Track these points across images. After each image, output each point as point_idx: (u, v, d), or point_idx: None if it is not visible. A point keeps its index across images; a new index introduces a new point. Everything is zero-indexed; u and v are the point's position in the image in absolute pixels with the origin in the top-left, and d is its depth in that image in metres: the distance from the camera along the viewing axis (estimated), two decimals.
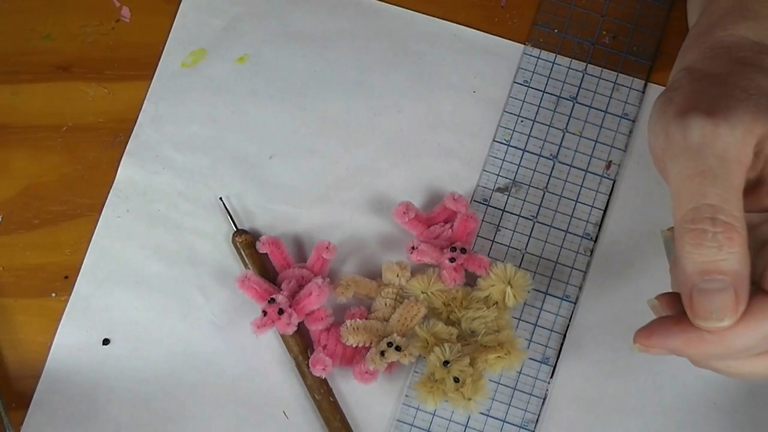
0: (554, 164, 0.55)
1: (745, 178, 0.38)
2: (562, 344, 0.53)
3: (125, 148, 0.55)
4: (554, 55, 0.56)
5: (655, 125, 0.40)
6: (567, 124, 0.55)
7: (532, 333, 0.53)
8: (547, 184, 0.54)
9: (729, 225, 0.36)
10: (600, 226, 0.54)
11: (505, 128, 0.55)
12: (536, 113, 0.55)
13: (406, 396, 0.52)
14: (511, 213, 0.54)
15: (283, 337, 0.52)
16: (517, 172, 0.55)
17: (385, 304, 0.52)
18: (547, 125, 0.55)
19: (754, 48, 0.41)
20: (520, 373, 0.52)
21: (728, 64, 0.40)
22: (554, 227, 0.54)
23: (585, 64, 0.55)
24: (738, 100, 0.38)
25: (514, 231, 0.54)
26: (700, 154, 0.37)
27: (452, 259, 0.51)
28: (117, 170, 0.55)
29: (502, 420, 0.52)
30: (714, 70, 0.41)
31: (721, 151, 0.37)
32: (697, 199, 0.37)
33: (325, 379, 0.52)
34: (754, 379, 0.43)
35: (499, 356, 0.49)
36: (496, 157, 0.55)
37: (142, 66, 0.56)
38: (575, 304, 0.53)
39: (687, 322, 0.38)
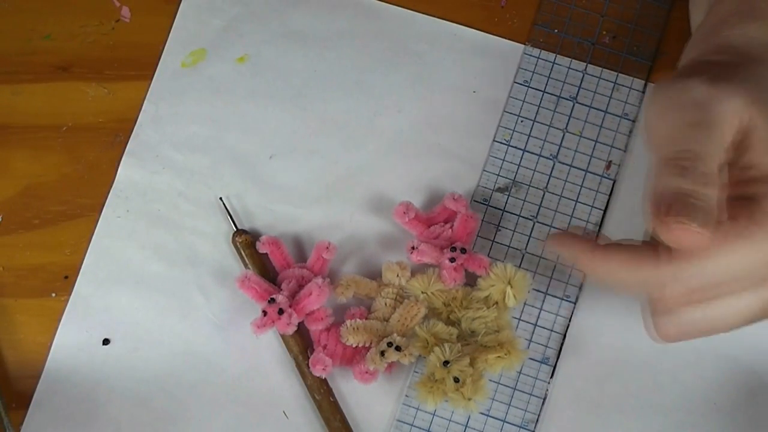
0: (554, 164, 0.55)
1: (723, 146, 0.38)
2: (562, 344, 0.53)
3: (125, 148, 0.55)
4: (554, 55, 0.56)
5: (654, 104, 0.41)
6: (567, 124, 0.55)
7: (532, 333, 0.53)
8: (547, 184, 0.54)
9: (707, 175, 0.37)
10: (600, 226, 0.54)
11: (505, 128, 0.55)
12: (536, 113, 0.55)
13: (406, 396, 0.52)
14: (511, 213, 0.54)
15: (283, 337, 0.52)
16: (517, 172, 0.55)
17: (385, 304, 0.52)
18: (547, 125, 0.55)
19: (763, 49, 0.41)
20: (520, 373, 0.52)
21: (736, 58, 0.40)
22: (554, 227, 0.54)
23: (585, 64, 0.55)
24: (740, 80, 0.39)
25: (514, 231, 0.54)
26: (696, 108, 0.38)
27: (452, 259, 0.51)
28: (117, 170, 0.55)
29: (502, 420, 0.52)
30: (721, 60, 0.41)
31: (717, 112, 0.38)
32: (680, 144, 0.38)
33: (325, 379, 0.52)
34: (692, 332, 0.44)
35: (499, 356, 0.49)
36: (496, 157, 0.55)
37: (142, 66, 0.56)
38: (575, 304, 0.53)
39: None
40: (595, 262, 0.41)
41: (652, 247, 0.40)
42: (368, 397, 0.52)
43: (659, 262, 0.39)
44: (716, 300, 0.39)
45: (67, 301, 0.54)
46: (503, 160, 0.55)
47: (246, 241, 0.53)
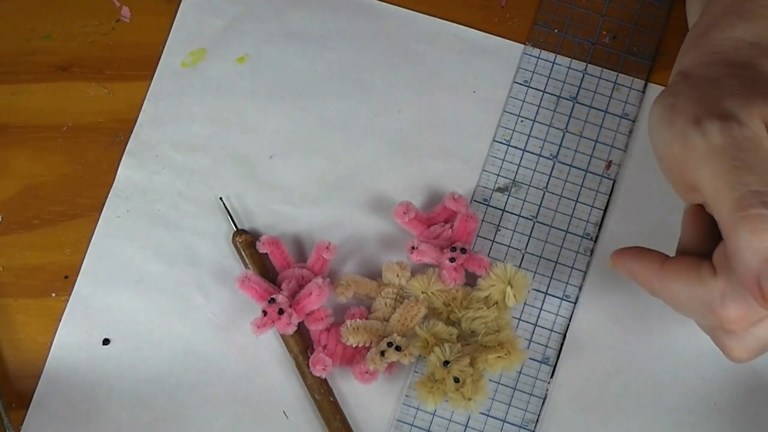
0: (554, 164, 0.55)
1: None
2: (562, 344, 0.53)
3: (125, 148, 0.55)
4: (554, 55, 0.56)
5: (664, 134, 0.40)
6: (567, 124, 0.55)
7: (532, 333, 0.53)
8: (547, 184, 0.54)
9: None
10: (600, 226, 0.54)
11: (505, 128, 0.55)
12: (536, 113, 0.55)
13: (406, 396, 0.52)
14: (511, 213, 0.54)
15: (283, 337, 0.52)
16: (517, 172, 0.55)
17: (385, 304, 0.52)
18: (547, 125, 0.55)
19: (752, 51, 0.41)
20: (520, 373, 0.52)
21: (727, 68, 0.41)
22: (554, 227, 0.54)
23: (585, 64, 0.55)
24: (742, 98, 0.39)
25: (514, 231, 0.54)
26: (726, 152, 0.37)
27: (452, 259, 0.51)
28: (117, 170, 0.55)
29: (502, 420, 0.52)
30: (713, 75, 0.41)
31: (745, 144, 0.37)
32: (739, 188, 0.36)
33: (325, 379, 0.52)
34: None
35: (499, 356, 0.49)
36: (496, 157, 0.55)
37: (142, 66, 0.56)
38: (575, 304, 0.53)
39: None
40: (662, 279, 0.41)
41: (697, 264, 0.40)
42: (368, 397, 0.52)
43: (705, 276, 0.39)
44: None
45: (67, 301, 0.54)
46: (503, 160, 0.55)
47: (246, 241, 0.53)
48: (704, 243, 0.41)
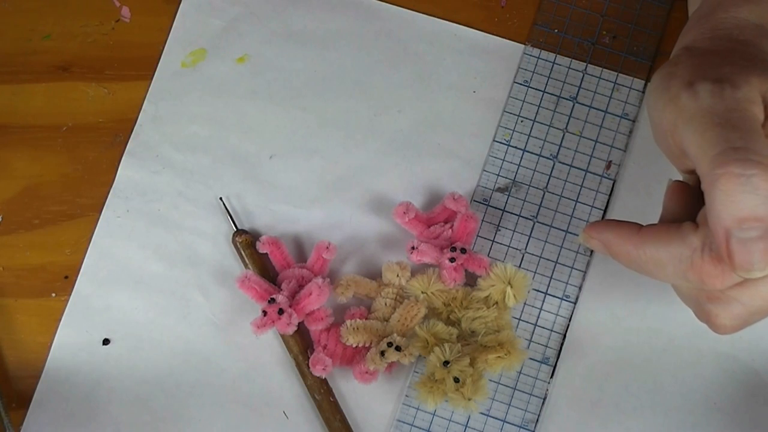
0: (554, 164, 0.55)
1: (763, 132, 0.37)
2: (562, 344, 0.53)
3: (125, 148, 0.55)
4: (554, 55, 0.56)
5: (659, 100, 0.40)
6: (567, 124, 0.55)
7: (532, 333, 0.53)
8: (547, 184, 0.54)
9: (760, 164, 0.35)
10: None
11: (505, 128, 0.55)
12: (536, 113, 0.55)
13: (406, 396, 0.52)
14: (511, 213, 0.54)
15: (283, 337, 0.52)
16: (517, 172, 0.55)
17: (385, 304, 0.52)
18: (547, 125, 0.55)
19: (756, 31, 0.41)
20: (520, 373, 0.52)
21: (729, 43, 0.41)
22: (554, 227, 0.54)
23: (585, 64, 0.55)
24: (740, 66, 0.38)
25: (514, 231, 0.54)
26: (713, 112, 0.37)
27: (452, 259, 0.51)
28: (117, 170, 0.55)
29: (502, 420, 0.52)
30: (715, 48, 0.41)
31: (734, 105, 0.37)
32: (721, 144, 0.36)
33: (325, 379, 0.52)
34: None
35: (499, 356, 0.49)
36: (496, 157, 0.55)
37: (142, 66, 0.56)
38: (575, 304, 0.53)
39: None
40: (639, 245, 0.40)
41: (677, 224, 0.39)
42: (368, 397, 0.52)
43: (686, 231, 0.39)
44: (762, 279, 0.38)
45: (67, 301, 0.54)
46: (503, 160, 0.55)
47: (246, 241, 0.53)
48: (685, 218, 0.41)
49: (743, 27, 0.41)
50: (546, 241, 0.54)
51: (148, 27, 0.57)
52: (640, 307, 0.53)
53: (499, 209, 0.54)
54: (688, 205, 0.41)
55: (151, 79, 0.56)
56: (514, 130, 0.55)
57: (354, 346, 0.51)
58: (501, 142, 0.55)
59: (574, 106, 0.55)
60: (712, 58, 0.40)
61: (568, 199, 0.54)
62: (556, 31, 0.56)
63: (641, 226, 0.41)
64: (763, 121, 0.38)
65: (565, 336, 0.53)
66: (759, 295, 0.39)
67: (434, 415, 0.52)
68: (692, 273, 0.38)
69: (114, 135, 0.56)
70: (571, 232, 0.54)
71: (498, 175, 0.55)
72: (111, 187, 0.55)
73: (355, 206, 0.55)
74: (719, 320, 0.40)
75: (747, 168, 0.35)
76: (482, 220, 0.54)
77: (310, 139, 0.55)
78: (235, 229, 0.54)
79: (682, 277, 0.39)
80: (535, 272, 0.54)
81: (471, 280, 0.53)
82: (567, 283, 0.53)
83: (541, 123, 0.55)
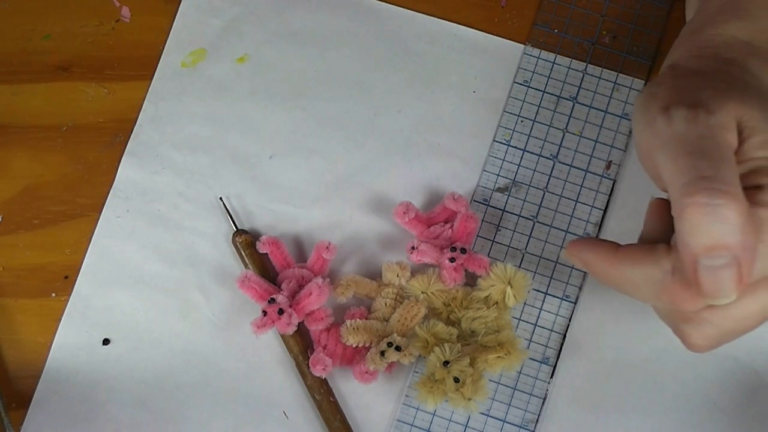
0: (554, 164, 0.55)
1: (734, 160, 0.37)
2: (562, 344, 0.53)
3: (125, 148, 0.55)
4: (554, 55, 0.56)
5: (639, 121, 0.41)
6: (567, 124, 0.55)
7: (532, 333, 0.53)
8: (547, 184, 0.54)
9: (727, 194, 0.35)
10: (600, 226, 0.54)
11: (505, 128, 0.55)
12: (536, 113, 0.55)
13: (406, 396, 0.52)
14: (511, 213, 0.54)
15: (283, 337, 0.52)
16: (517, 172, 0.55)
17: (385, 304, 0.52)
18: (547, 125, 0.55)
19: (744, 49, 0.41)
20: (520, 373, 0.52)
21: (714, 63, 0.41)
22: (554, 227, 0.54)
23: (585, 64, 0.55)
24: (719, 90, 0.39)
25: (514, 231, 0.54)
26: (685, 139, 0.37)
27: (452, 259, 0.51)
28: (117, 170, 0.55)
29: (502, 420, 0.52)
30: (699, 68, 0.41)
31: (706, 132, 0.37)
32: (690, 173, 0.36)
33: (325, 379, 0.52)
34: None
35: (499, 356, 0.49)
36: (496, 157, 0.55)
37: (142, 66, 0.56)
38: (575, 304, 0.53)
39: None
40: (615, 265, 0.41)
41: (652, 246, 0.40)
42: (368, 397, 0.52)
43: (659, 254, 0.39)
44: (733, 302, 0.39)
45: (67, 301, 0.54)
46: (503, 160, 0.55)
47: (246, 241, 0.53)
48: (664, 235, 0.41)
49: (731, 45, 0.41)
50: (546, 241, 0.54)
51: (148, 27, 0.57)
52: (640, 307, 0.53)
53: (499, 209, 0.54)
54: (669, 223, 0.41)
55: (151, 79, 0.56)
56: (514, 130, 0.55)
57: (354, 346, 0.51)
58: (501, 142, 0.55)
59: (574, 106, 0.55)
60: (692, 80, 0.40)
61: (568, 199, 0.54)
62: (556, 31, 0.56)
63: (618, 246, 0.42)
64: (738, 146, 0.38)
65: (565, 336, 0.53)
66: (730, 317, 0.39)
67: (434, 415, 0.52)
68: (665, 294, 0.39)
69: (114, 135, 0.56)
70: (571, 232, 0.54)
71: (498, 175, 0.55)
72: (111, 187, 0.55)
73: (355, 206, 0.55)
74: (692, 340, 0.41)
75: (714, 198, 0.35)
76: (482, 220, 0.54)
77: (310, 139, 0.55)
78: (235, 229, 0.54)
79: (656, 298, 0.40)
80: (535, 272, 0.54)
81: (471, 280, 0.53)
82: (567, 283, 0.53)
83: (541, 123, 0.55)
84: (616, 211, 0.54)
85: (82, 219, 0.55)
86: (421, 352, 0.50)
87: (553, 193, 0.54)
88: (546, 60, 0.56)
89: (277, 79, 0.56)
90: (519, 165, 0.55)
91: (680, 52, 0.43)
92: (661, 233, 0.42)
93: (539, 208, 0.54)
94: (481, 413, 0.52)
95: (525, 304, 0.53)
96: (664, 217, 0.42)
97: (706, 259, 0.36)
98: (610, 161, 0.54)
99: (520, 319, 0.53)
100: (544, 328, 0.53)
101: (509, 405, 0.52)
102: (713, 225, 0.35)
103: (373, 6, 0.57)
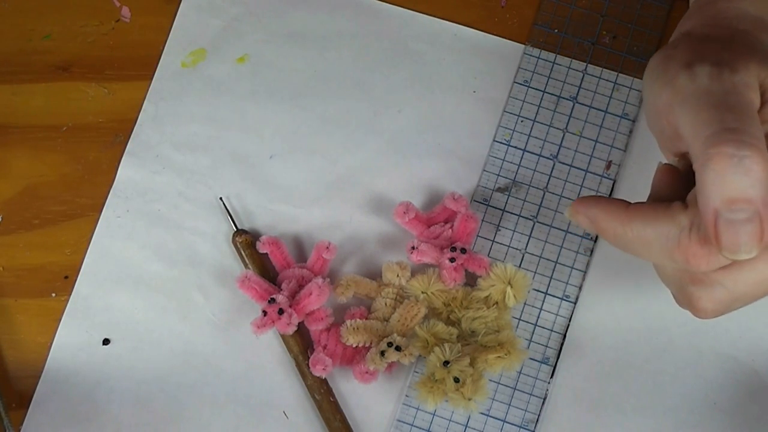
0: (554, 164, 0.55)
1: (758, 118, 0.37)
2: (562, 344, 0.53)
3: (125, 148, 0.55)
4: (554, 55, 0.56)
5: (656, 81, 0.40)
6: (567, 124, 0.55)
7: (532, 333, 0.53)
8: (547, 184, 0.54)
9: (753, 147, 0.35)
10: None
11: (505, 128, 0.55)
12: (536, 113, 0.55)
13: (406, 396, 0.52)
14: (511, 213, 0.54)
15: (283, 337, 0.52)
16: (517, 172, 0.55)
17: (385, 304, 0.52)
18: (547, 125, 0.55)
19: (756, 23, 0.41)
20: (520, 373, 0.52)
21: (729, 32, 0.41)
22: (554, 227, 0.54)
23: (585, 64, 0.55)
24: (740, 53, 0.38)
25: (514, 231, 0.54)
26: (710, 93, 0.37)
27: (452, 259, 0.51)
28: (117, 170, 0.55)
29: (502, 420, 0.52)
30: (715, 35, 0.41)
31: (731, 88, 0.37)
32: (715, 125, 0.35)
33: (325, 379, 0.52)
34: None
35: (499, 356, 0.49)
36: (496, 157, 0.55)
37: (142, 66, 0.56)
38: (575, 304, 0.53)
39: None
40: (626, 222, 0.40)
41: (666, 203, 0.39)
42: (368, 397, 0.52)
43: (675, 210, 0.38)
44: (748, 264, 0.38)
45: (67, 301, 0.54)
46: (503, 160, 0.55)
47: (246, 241, 0.53)
48: (672, 199, 0.40)
49: (743, 18, 0.41)
50: (546, 241, 0.54)
51: (148, 27, 0.57)
52: (640, 307, 0.53)
53: (499, 209, 0.54)
54: (677, 187, 0.41)
55: (151, 79, 0.56)
56: (514, 130, 0.55)
57: (354, 346, 0.51)
58: (501, 142, 0.55)
59: (574, 106, 0.55)
60: (711, 44, 0.40)
61: (568, 199, 0.54)
62: (556, 31, 0.56)
63: (629, 203, 0.41)
64: (759, 108, 0.38)
65: (565, 336, 0.53)
66: (742, 280, 0.39)
67: (434, 415, 0.52)
68: (678, 253, 0.38)
69: (114, 135, 0.56)
70: (571, 232, 0.54)
71: (498, 175, 0.55)
72: (111, 187, 0.55)
73: (355, 206, 0.55)
74: (701, 303, 0.40)
75: (740, 149, 0.35)
76: (482, 220, 0.54)
77: (310, 139, 0.55)
78: (235, 229, 0.54)
79: (668, 257, 0.39)
80: (535, 272, 0.54)
81: (471, 280, 0.53)
82: (567, 283, 0.53)
83: (541, 123, 0.55)
84: None
85: (82, 219, 0.55)
86: (421, 352, 0.50)
87: (553, 193, 0.54)
88: (546, 60, 0.56)
89: (277, 79, 0.56)
90: (519, 165, 0.55)
91: (692, 22, 0.42)
92: (669, 198, 0.41)
93: (539, 208, 0.54)
94: (481, 413, 0.52)
95: (525, 304, 0.53)
96: (673, 182, 0.41)
97: (727, 212, 0.35)
98: (610, 161, 0.54)
99: (520, 319, 0.53)
100: (544, 328, 0.53)
101: (509, 405, 0.52)
102: (737, 177, 0.34)
103: (373, 6, 0.57)
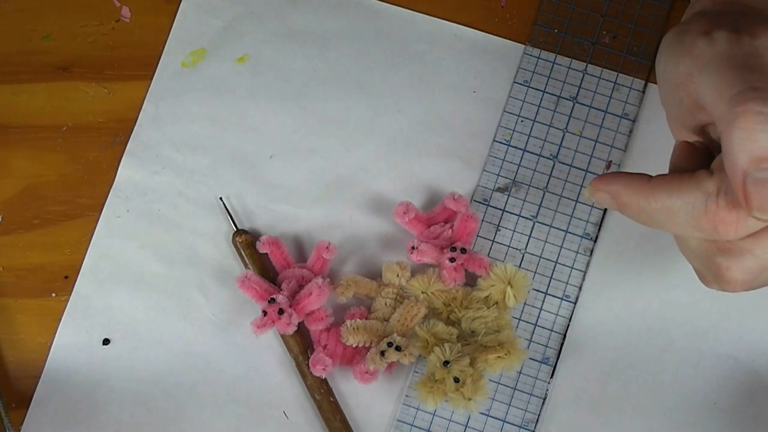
0: (554, 164, 0.55)
1: None
2: (562, 344, 0.53)
3: (125, 148, 0.55)
4: (554, 55, 0.56)
5: (672, 53, 0.39)
6: (567, 124, 0.55)
7: (532, 333, 0.53)
8: (547, 184, 0.54)
9: None
10: (600, 226, 0.54)
11: (505, 128, 0.55)
12: (536, 113, 0.55)
13: (406, 396, 0.52)
14: (511, 213, 0.54)
15: (283, 337, 0.52)
16: (517, 172, 0.55)
17: (385, 304, 0.52)
18: (547, 125, 0.55)
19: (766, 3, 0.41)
20: (520, 373, 0.52)
21: (742, 8, 0.40)
22: (554, 227, 0.54)
23: (585, 64, 0.55)
24: (756, 23, 0.38)
25: (514, 231, 0.54)
26: (732, 56, 0.36)
27: (452, 259, 0.51)
28: (117, 170, 0.55)
29: (502, 420, 0.52)
30: (729, 10, 0.40)
31: (752, 51, 0.36)
32: (740, 84, 0.35)
33: (325, 379, 0.52)
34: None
35: (499, 356, 0.49)
36: (496, 157, 0.55)
37: (142, 66, 0.56)
38: (575, 304, 0.53)
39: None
40: (649, 194, 0.39)
41: (690, 172, 0.38)
42: (368, 397, 0.52)
43: (701, 177, 0.37)
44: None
45: (67, 301, 0.54)
46: (503, 160, 0.55)
47: (246, 241, 0.53)
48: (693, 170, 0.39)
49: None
50: (546, 241, 0.54)
51: (148, 27, 0.57)
52: (640, 307, 0.53)
53: (499, 209, 0.54)
54: (695, 163, 0.40)
55: (151, 79, 0.56)
56: (514, 130, 0.55)
57: (354, 346, 0.51)
58: (501, 142, 0.55)
59: (574, 106, 0.55)
60: (727, 15, 0.39)
61: (568, 199, 0.54)
62: (556, 31, 0.56)
63: (650, 176, 0.40)
64: None
65: (565, 336, 0.53)
66: None
67: (434, 415, 0.52)
68: (705, 220, 0.37)
69: (114, 135, 0.56)
70: (571, 232, 0.54)
71: (498, 175, 0.55)
72: (111, 187, 0.55)
73: (355, 206, 0.55)
74: (730, 273, 0.39)
75: (767, 106, 0.34)
76: (482, 220, 0.54)
77: (310, 139, 0.55)
78: (235, 229, 0.54)
79: (694, 226, 0.38)
80: (535, 272, 0.54)
81: (471, 280, 0.53)
82: (567, 283, 0.53)
83: (541, 123, 0.55)
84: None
85: (82, 219, 0.55)
86: (421, 352, 0.50)
87: (553, 193, 0.54)
88: (546, 60, 0.56)
89: (277, 79, 0.56)
90: (519, 165, 0.55)
91: (704, 2, 0.42)
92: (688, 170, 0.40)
93: (539, 208, 0.54)
94: (481, 413, 0.52)
95: (525, 304, 0.53)
96: (690, 157, 0.41)
97: (756, 170, 0.34)
98: (610, 161, 0.54)
99: (520, 319, 0.53)
100: (544, 328, 0.53)
101: (509, 405, 0.52)
102: (765, 134, 0.34)
103: (373, 6, 0.57)
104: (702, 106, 0.38)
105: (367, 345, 0.51)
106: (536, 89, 0.55)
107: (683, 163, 0.41)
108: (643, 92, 0.55)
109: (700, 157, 0.41)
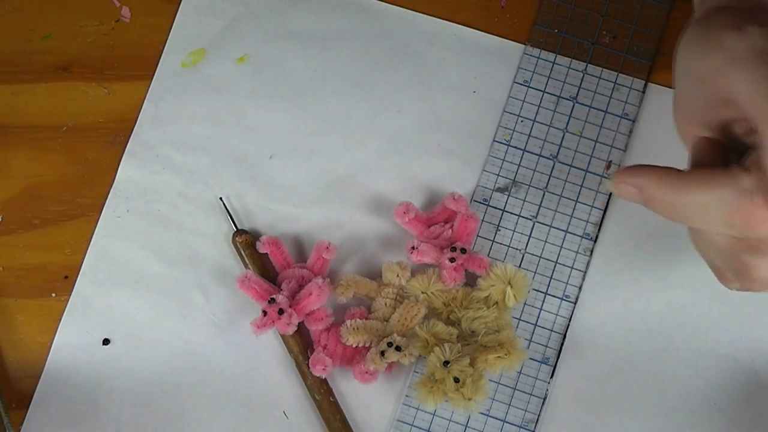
0: (554, 164, 0.55)
1: None
2: (562, 344, 0.53)
3: (125, 148, 0.55)
4: (554, 55, 0.56)
5: (697, 48, 0.39)
6: (567, 124, 0.55)
7: (532, 333, 0.53)
8: (547, 184, 0.54)
9: None
10: (600, 226, 0.54)
11: (505, 128, 0.55)
12: (536, 113, 0.55)
13: (406, 396, 0.52)
14: (511, 213, 0.54)
15: (283, 337, 0.52)
16: (517, 172, 0.55)
17: (385, 304, 0.52)
18: (547, 125, 0.55)
19: None
20: (520, 373, 0.52)
21: (758, 3, 0.39)
22: (554, 227, 0.54)
23: (585, 64, 0.55)
24: None
25: (514, 231, 0.54)
26: (767, 51, 0.36)
27: (452, 259, 0.51)
28: (117, 170, 0.55)
29: (502, 420, 0.52)
30: (748, 7, 0.39)
31: None
32: None
33: (325, 379, 0.52)
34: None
35: (499, 356, 0.49)
36: (496, 157, 0.55)
37: (142, 66, 0.56)
38: (575, 304, 0.53)
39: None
40: (680, 189, 0.38)
41: (723, 168, 0.38)
42: (368, 397, 0.53)
43: (736, 173, 0.37)
44: None
45: (67, 301, 0.54)
46: (503, 160, 0.55)
47: (246, 241, 0.53)
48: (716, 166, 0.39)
49: None
50: (546, 241, 0.54)
51: (148, 27, 0.57)
52: (640, 307, 0.53)
53: (499, 209, 0.54)
54: (718, 158, 0.39)
55: (151, 79, 0.56)
56: (514, 130, 0.55)
57: (354, 346, 0.51)
58: (501, 142, 0.55)
59: (574, 106, 0.55)
60: (749, 11, 0.38)
61: (568, 199, 0.54)
62: (556, 31, 0.56)
63: (680, 170, 0.39)
64: None
65: (565, 336, 0.53)
66: None
67: (434, 415, 0.52)
68: (737, 217, 0.36)
69: (114, 135, 0.56)
70: (571, 232, 0.54)
71: (498, 175, 0.55)
72: (111, 187, 0.55)
73: (355, 206, 0.55)
74: (757, 271, 0.38)
75: None
76: (482, 220, 0.54)
77: (310, 139, 0.55)
78: (235, 229, 0.54)
79: (725, 223, 0.37)
80: (535, 272, 0.54)
81: (471, 280, 0.53)
82: (567, 283, 0.53)
83: (541, 123, 0.55)
84: (616, 211, 0.54)
85: (82, 219, 0.55)
86: (421, 352, 0.50)
87: (553, 193, 0.54)
88: (546, 60, 0.56)
89: (277, 79, 0.56)
90: (519, 165, 0.55)
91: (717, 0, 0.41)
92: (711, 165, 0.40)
93: (539, 208, 0.54)
94: (481, 413, 0.52)
95: (525, 304, 0.53)
96: (712, 152, 0.40)
97: None
98: (610, 161, 0.54)
99: (520, 319, 0.53)
100: (544, 328, 0.53)
101: (509, 405, 0.52)
102: None
103: (373, 6, 0.57)
104: (730, 102, 0.38)
105: (367, 345, 0.51)
106: (536, 89, 0.55)
107: (705, 158, 0.40)
108: (643, 92, 0.55)
109: (721, 152, 0.40)
